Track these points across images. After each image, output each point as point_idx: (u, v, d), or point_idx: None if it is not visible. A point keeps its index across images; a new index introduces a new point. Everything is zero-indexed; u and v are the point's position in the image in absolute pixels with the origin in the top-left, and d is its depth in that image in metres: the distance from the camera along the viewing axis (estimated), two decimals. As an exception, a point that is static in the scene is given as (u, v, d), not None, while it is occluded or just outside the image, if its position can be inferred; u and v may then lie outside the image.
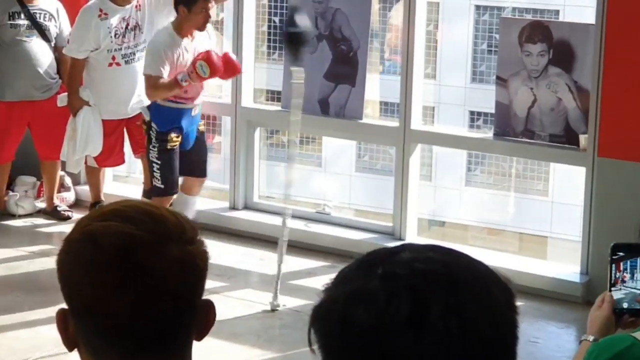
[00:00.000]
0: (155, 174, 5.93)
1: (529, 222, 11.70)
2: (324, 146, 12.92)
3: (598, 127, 5.48)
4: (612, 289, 2.50)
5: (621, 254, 2.50)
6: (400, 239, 6.05)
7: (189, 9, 5.71)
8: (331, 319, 1.18)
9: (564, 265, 5.89)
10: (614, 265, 2.50)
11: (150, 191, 6.66)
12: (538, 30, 5.73)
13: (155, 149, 5.89)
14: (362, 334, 1.15)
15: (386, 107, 11.92)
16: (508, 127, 5.82)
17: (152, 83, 5.79)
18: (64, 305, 1.52)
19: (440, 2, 12.75)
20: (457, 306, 1.15)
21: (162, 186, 5.95)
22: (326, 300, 1.20)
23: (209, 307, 1.55)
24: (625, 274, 2.50)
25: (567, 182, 11.15)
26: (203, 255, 1.54)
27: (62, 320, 1.52)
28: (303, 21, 5.32)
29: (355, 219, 6.55)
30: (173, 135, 5.89)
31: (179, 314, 1.50)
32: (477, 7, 13.18)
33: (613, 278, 2.50)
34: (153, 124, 5.88)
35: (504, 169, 12.59)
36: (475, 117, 12.90)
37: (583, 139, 5.58)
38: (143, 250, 1.48)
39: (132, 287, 1.46)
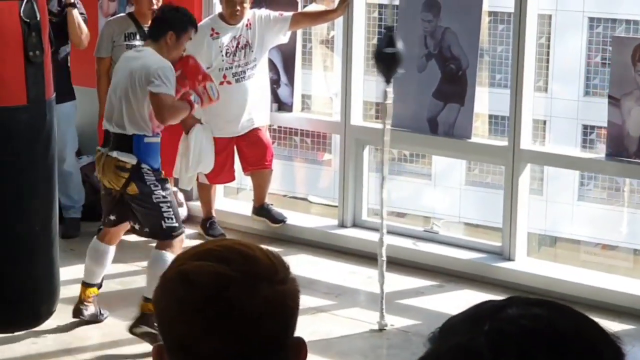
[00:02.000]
0: (165, 214, 5.16)
1: (644, 239, 11.42)
2: (434, 160, 12.86)
3: None
4: None
5: None
6: (509, 259, 5.99)
7: (178, 36, 5.22)
8: None
9: (679, 288, 5.75)
10: None
11: (260, 208, 6.75)
12: (652, 48, 5.62)
13: (159, 187, 5.18)
14: None
15: (496, 121, 11.82)
16: (621, 147, 5.71)
17: (170, 102, 5.12)
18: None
19: (552, 14, 12.57)
20: None
21: (176, 224, 5.21)
22: (432, 352, 1.21)
23: (300, 345, 1.57)
24: None
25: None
26: (294, 295, 1.56)
27: (158, 355, 1.57)
28: (395, 42, 5.32)
29: (464, 238, 6.50)
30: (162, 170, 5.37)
31: (270, 353, 1.52)
32: (591, 19, 12.96)
33: None
34: (144, 166, 5.18)
35: (618, 184, 12.33)
36: (588, 131, 12.68)
37: (699, 159, 5.44)
38: (235, 289, 1.50)
39: (223, 326, 1.49)
